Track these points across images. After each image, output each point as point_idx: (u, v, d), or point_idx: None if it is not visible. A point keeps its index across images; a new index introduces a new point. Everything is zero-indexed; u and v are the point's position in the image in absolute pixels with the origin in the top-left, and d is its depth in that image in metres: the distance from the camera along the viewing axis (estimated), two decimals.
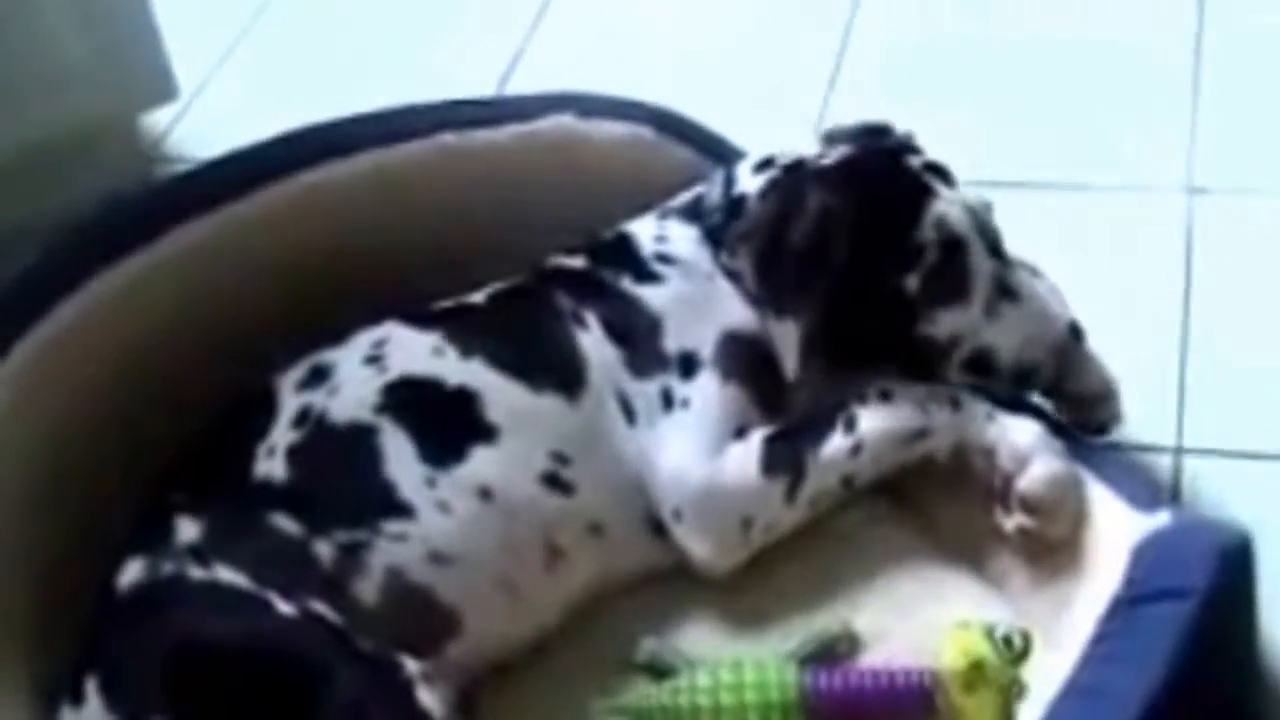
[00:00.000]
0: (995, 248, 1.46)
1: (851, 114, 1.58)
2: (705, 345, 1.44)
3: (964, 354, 1.44)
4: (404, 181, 1.60)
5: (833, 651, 1.34)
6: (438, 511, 1.34)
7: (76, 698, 1.24)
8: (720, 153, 1.63)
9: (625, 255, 1.50)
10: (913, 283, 1.43)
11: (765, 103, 2.11)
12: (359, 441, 1.37)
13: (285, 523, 1.32)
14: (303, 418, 1.39)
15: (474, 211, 1.61)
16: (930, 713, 1.28)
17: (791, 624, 1.36)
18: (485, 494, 1.36)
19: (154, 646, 1.24)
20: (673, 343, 1.44)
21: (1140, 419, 1.57)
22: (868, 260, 1.42)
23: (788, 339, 1.42)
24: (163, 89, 2.12)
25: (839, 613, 1.37)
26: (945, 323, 1.43)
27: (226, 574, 1.28)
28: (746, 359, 1.44)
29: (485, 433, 1.38)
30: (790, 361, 1.42)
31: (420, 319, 1.46)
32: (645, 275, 1.48)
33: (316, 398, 1.40)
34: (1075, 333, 1.44)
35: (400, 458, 1.36)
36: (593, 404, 1.41)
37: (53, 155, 2.01)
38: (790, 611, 1.38)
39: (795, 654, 1.33)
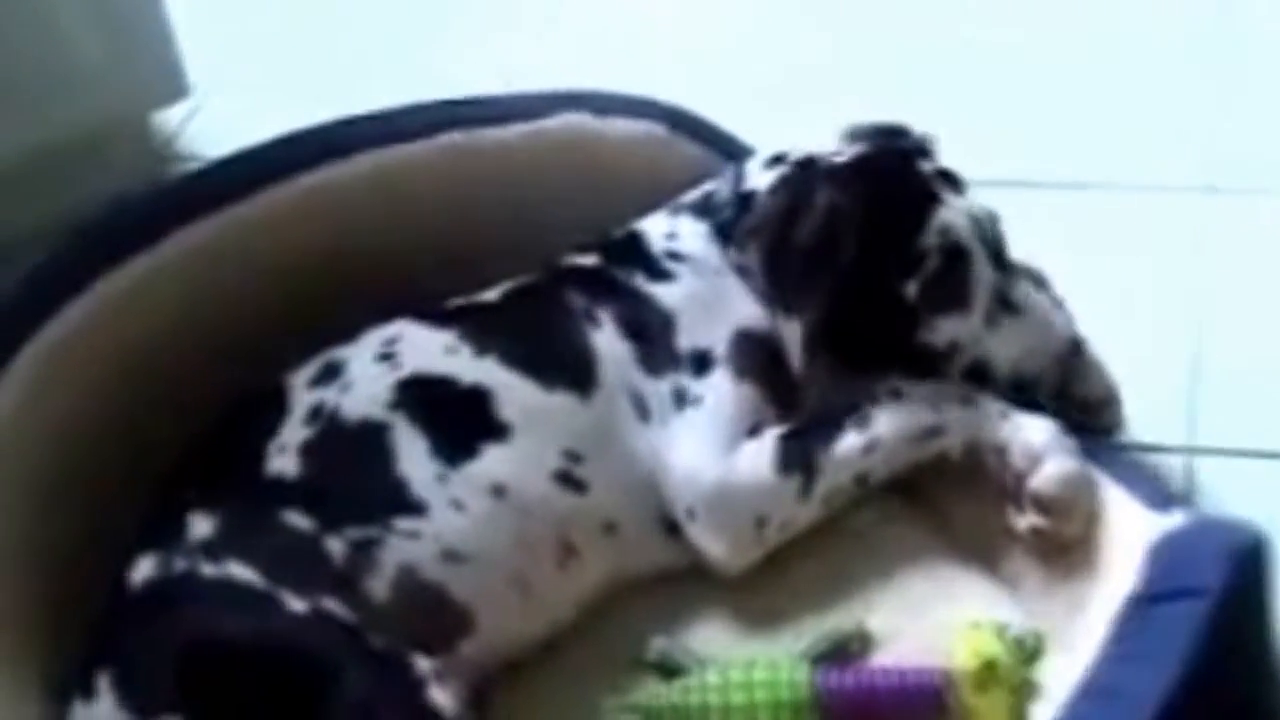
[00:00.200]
0: (999, 258, 1.46)
1: (857, 113, 1.58)
2: (718, 343, 1.44)
3: (963, 363, 1.44)
4: (412, 180, 1.60)
5: (845, 650, 1.33)
6: (450, 509, 1.34)
7: (88, 693, 1.24)
8: (732, 151, 1.63)
9: (637, 253, 1.50)
10: (913, 288, 1.43)
11: (770, 102, 2.11)
12: (371, 438, 1.37)
13: (297, 519, 1.32)
14: (315, 414, 1.39)
15: (484, 210, 1.62)
16: (942, 713, 1.28)
17: (803, 623, 1.36)
18: (498, 492, 1.36)
19: (166, 643, 1.24)
20: (685, 340, 1.44)
21: (1153, 418, 1.57)
22: (872, 262, 1.42)
23: (793, 336, 1.42)
24: (174, 87, 2.12)
25: (851, 612, 1.36)
26: (944, 330, 1.43)
27: (239, 570, 1.28)
28: (759, 357, 1.44)
29: (498, 430, 1.38)
30: (794, 359, 1.42)
31: (433, 317, 1.46)
32: (657, 273, 1.48)
33: (329, 395, 1.40)
34: (1075, 348, 1.44)
35: (413, 455, 1.36)
36: (606, 402, 1.41)
37: (65, 155, 2.01)
38: (802, 610, 1.38)
39: (807, 653, 1.32)
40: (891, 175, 1.47)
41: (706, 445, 1.39)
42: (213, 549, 1.30)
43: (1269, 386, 1.71)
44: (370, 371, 1.41)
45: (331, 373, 1.42)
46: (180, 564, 1.29)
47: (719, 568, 1.39)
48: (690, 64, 2.22)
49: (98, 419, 1.45)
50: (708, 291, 1.47)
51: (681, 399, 1.42)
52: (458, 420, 1.38)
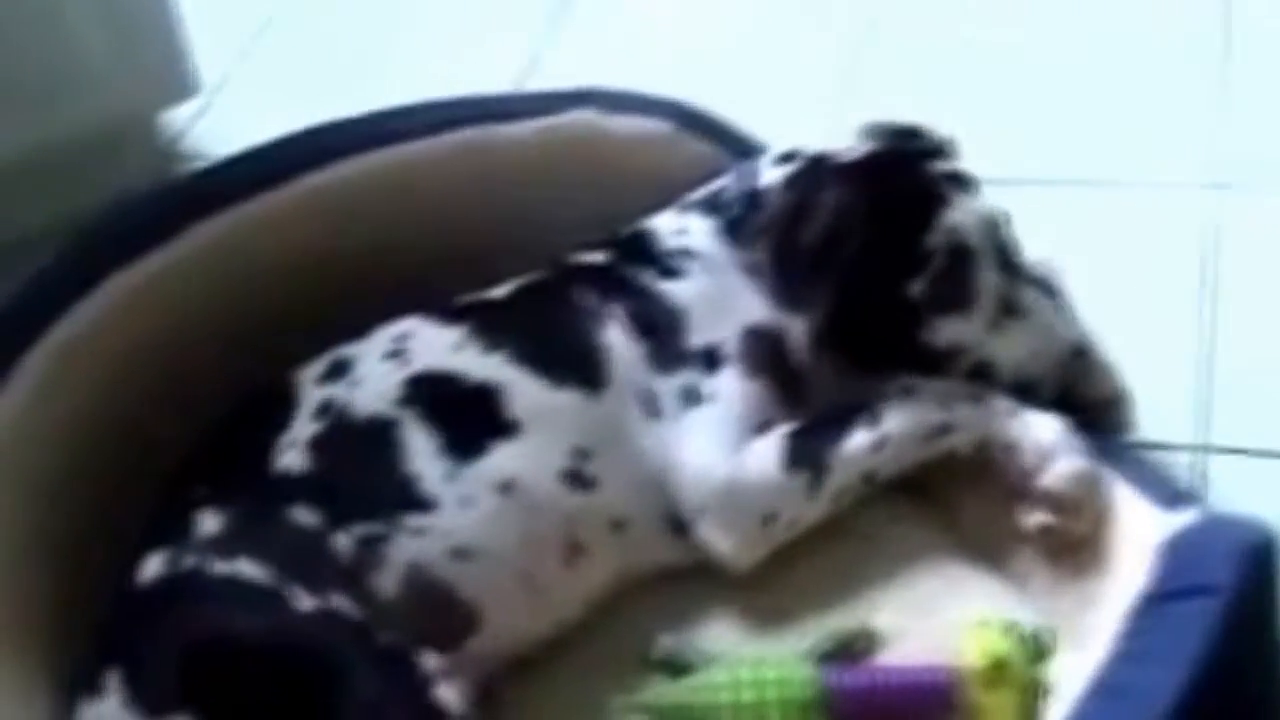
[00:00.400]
0: (1007, 261, 1.46)
1: (857, 114, 1.58)
2: (728, 340, 1.43)
3: (965, 364, 1.43)
4: (423, 178, 1.60)
5: (852, 649, 1.33)
6: (458, 506, 1.34)
7: (96, 690, 1.24)
8: (742, 148, 1.63)
9: (646, 250, 1.50)
10: (918, 288, 1.42)
11: (770, 102, 2.10)
12: (380, 435, 1.37)
13: (305, 515, 1.32)
14: (324, 410, 1.39)
15: (494, 207, 1.61)
16: (951, 711, 1.28)
17: (811, 621, 1.36)
18: (506, 489, 1.36)
19: (174, 640, 1.24)
20: (695, 338, 1.44)
21: (1163, 417, 1.56)
22: (877, 260, 1.42)
23: (800, 333, 1.42)
24: (183, 86, 2.12)
25: (859, 610, 1.36)
26: (947, 331, 1.43)
27: (248, 567, 1.28)
28: (769, 354, 1.44)
29: (507, 428, 1.38)
30: (802, 356, 1.42)
31: (442, 314, 1.46)
32: (667, 270, 1.48)
33: (338, 391, 1.40)
34: (1079, 351, 1.44)
35: (421, 452, 1.36)
36: (615, 399, 1.41)
37: (73, 154, 2.01)
38: (810, 609, 1.38)
39: (815, 651, 1.32)
40: (898, 174, 1.46)
41: (715, 443, 1.39)
42: (222, 545, 1.29)
43: (1279, 384, 1.71)
44: (379, 368, 1.41)
45: (340, 369, 1.42)
46: (188, 561, 1.29)
47: (727, 565, 1.39)
48: (690, 64, 2.21)
49: (106, 417, 1.45)
50: (717, 289, 1.47)
51: (691, 396, 1.41)
52: (467, 417, 1.38)
